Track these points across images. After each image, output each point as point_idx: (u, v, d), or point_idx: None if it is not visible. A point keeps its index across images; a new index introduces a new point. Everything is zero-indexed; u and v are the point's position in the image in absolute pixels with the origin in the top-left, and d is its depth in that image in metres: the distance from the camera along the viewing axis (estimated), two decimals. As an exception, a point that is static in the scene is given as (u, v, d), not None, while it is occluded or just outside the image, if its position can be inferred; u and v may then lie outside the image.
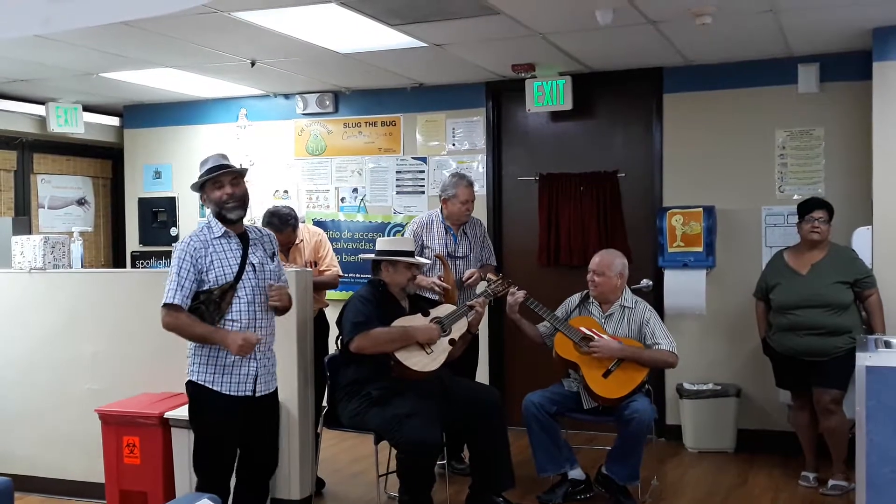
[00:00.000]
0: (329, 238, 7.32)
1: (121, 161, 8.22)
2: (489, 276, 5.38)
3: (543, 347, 5.24)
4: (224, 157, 4.15)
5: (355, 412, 4.68)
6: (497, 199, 7.03)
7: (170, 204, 7.93)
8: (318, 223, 7.36)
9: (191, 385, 4.04)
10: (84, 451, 5.18)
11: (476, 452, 4.92)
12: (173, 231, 7.88)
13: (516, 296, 5.10)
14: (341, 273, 5.87)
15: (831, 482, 5.22)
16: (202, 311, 3.90)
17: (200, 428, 4.09)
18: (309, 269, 5.37)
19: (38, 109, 7.44)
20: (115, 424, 4.84)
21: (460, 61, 6.18)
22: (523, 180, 6.95)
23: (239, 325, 3.96)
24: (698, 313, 6.30)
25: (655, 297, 6.31)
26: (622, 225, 6.63)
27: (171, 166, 7.94)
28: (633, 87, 6.67)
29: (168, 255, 7.75)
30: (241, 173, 4.11)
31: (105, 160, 8.44)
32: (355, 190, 7.39)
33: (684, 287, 6.27)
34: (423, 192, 7.15)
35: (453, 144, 7.10)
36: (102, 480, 4.92)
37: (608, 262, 5.17)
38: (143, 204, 8.05)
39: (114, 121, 8.20)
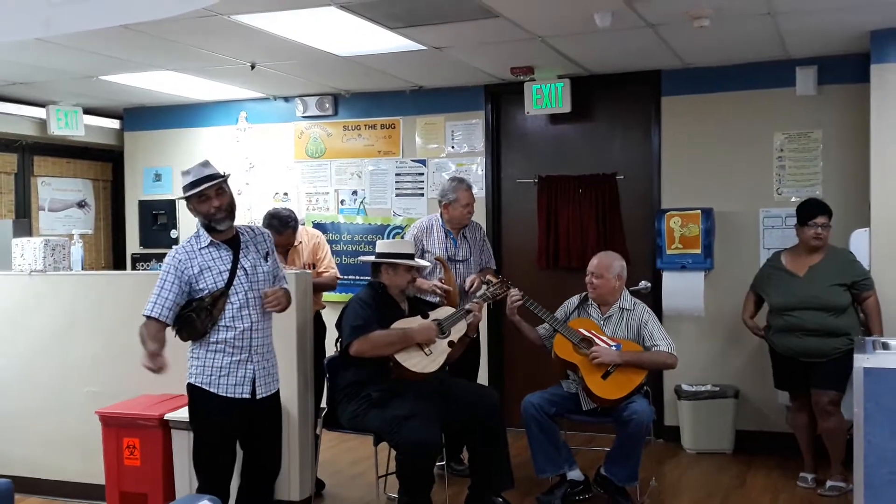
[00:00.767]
0: (329, 240, 7.35)
1: (121, 164, 8.23)
2: (488, 277, 5.39)
3: (543, 349, 5.26)
4: (206, 164, 4.10)
5: (355, 413, 4.70)
6: (496, 201, 7.04)
7: (170, 206, 7.94)
8: (317, 226, 7.38)
9: (190, 387, 4.08)
10: (84, 452, 5.19)
11: (475, 453, 4.93)
12: (173, 233, 7.89)
13: (515, 298, 5.11)
14: (339, 275, 5.89)
15: (829, 483, 5.23)
16: (193, 318, 3.93)
17: (199, 430, 4.12)
18: (308, 270, 5.38)
19: (39, 112, 7.45)
20: (115, 426, 4.85)
21: (459, 64, 6.20)
22: (522, 183, 6.96)
23: (233, 330, 3.98)
24: (696, 315, 6.32)
25: (654, 299, 6.33)
26: (621, 227, 6.65)
27: (172, 169, 7.95)
28: (631, 89, 6.68)
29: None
30: (224, 181, 4.07)
31: (105, 163, 8.45)
32: (355, 192, 7.40)
33: (683, 289, 6.28)
34: (422, 195, 7.16)
35: (452, 147, 7.12)
36: (103, 482, 4.93)
37: (606, 264, 5.19)
38: (144, 206, 8.06)
39: (114, 123, 8.21)
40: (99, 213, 8.39)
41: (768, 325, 5.45)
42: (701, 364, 6.36)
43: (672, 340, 5.11)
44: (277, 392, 4.24)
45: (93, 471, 5.07)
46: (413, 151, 7.23)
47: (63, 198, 8.07)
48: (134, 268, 8.01)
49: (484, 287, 5.26)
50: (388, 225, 7.23)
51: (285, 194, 7.53)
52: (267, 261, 4.17)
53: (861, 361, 3.90)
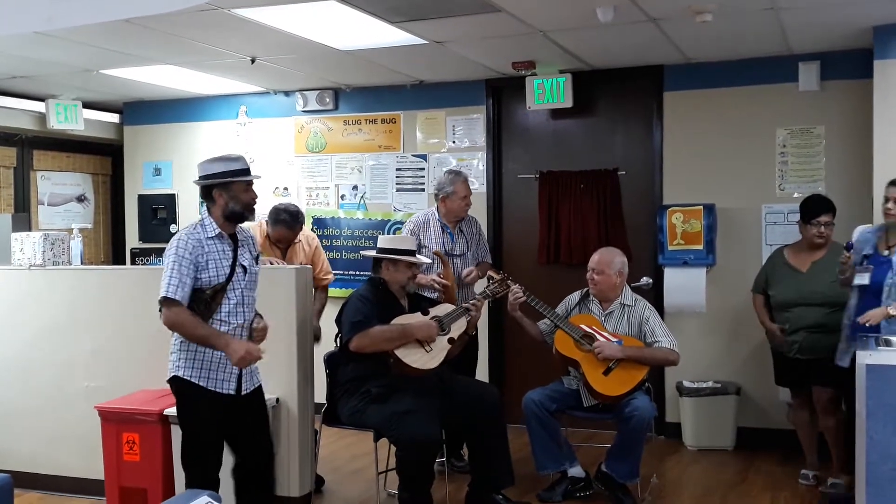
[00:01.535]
0: (329, 235, 7.38)
1: (120, 158, 8.22)
2: (490, 273, 5.38)
3: (544, 346, 5.24)
4: (245, 160, 4.21)
5: (354, 409, 4.68)
6: (497, 196, 7.02)
7: (169, 201, 7.92)
8: (318, 220, 7.37)
9: (176, 381, 4.01)
10: (84, 447, 5.17)
11: (475, 450, 4.92)
12: (173, 228, 7.86)
13: (517, 294, 5.10)
14: (332, 279, 5.98)
15: (831, 480, 5.21)
16: (192, 309, 3.89)
17: (187, 424, 4.07)
18: (309, 266, 5.38)
19: (38, 106, 7.42)
20: (114, 421, 4.83)
21: (460, 58, 6.18)
22: (523, 178, 6.95)
23: (227, 325, 3.96)
24: (698, 311, 6.31)
25: (655, 295, 6.31)
26: (622, 223, 6.63)
27: (171, 163, 7.94)
28: (633, 84, 6.66)
29: (168, 252, 7.74)
30: None
31: (105, 157, 8.43)
32: (355, 187, 7.38)
33: (684, 285, 6.28)
34: (423, 190, 7.14)
35: (453, 142, 7.10)
36: (102, 477, 4.92)
37: (607, 261, 5.17)
38: (143, 201, 8.04)
39: (114, 117, 8.18)
40: (98, 208, 8.37)
41: (772, 320, 5.42)
42: (702, 361, 6.34)
43: (674, 337, 5.10)
44: (260, 386, 4.20)
45: (92, 466, 5.05)
46: (414, 146, 7.21)
47: (62, 192, 8.06)
48: (133, 262, 7.99)
49: (485, 283, 5.25)
50: (389, 220, 7.21)
51: (285, 189, 7.51)
52: (256, 264, 4.17)
53: (863, 358, 3.89)
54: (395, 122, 7.25)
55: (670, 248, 6.29)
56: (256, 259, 4.19)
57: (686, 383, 6.28)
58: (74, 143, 8.05)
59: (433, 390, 4.70)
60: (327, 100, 7.32)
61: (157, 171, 8.01)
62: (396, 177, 7.25)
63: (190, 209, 7.84)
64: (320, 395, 5.02)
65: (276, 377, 4.68)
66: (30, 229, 6.35)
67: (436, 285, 5.32)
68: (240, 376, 4.03)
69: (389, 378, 4.66)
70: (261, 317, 4.14)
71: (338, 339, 4.82)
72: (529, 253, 6.87)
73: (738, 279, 6.05)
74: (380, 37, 5.51)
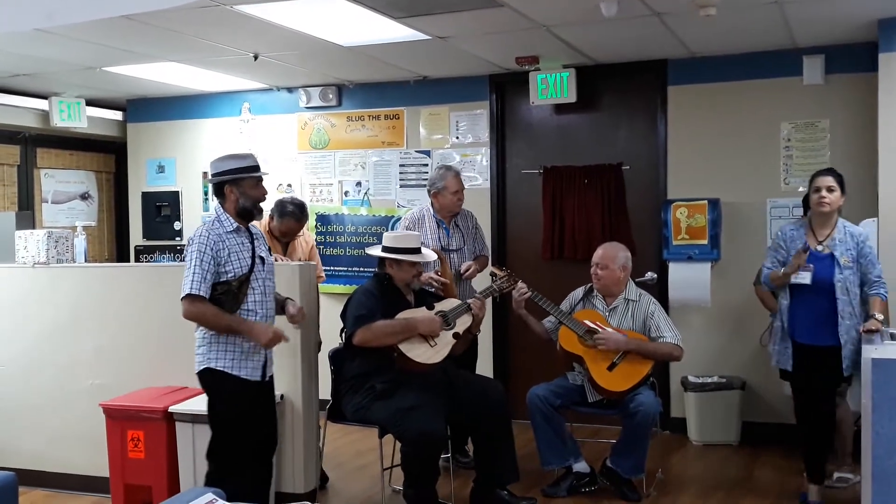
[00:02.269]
0: (332, 232, 7.38)
1: (124, 155, 8.22)
2: (493, 270, 5.36)
3: (550, 343, 5.23)
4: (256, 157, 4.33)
5: (359, 406, 4.68)
6: (501, 192, 7.01)
7: (173, 198, 7.92)
8: (321, 217, 7.37)
9: (208, 373, 4.09)
10: (88, 445, 5.18)
11: (480, 446, 4.91)
12: (177, 225, 7.88)
13: (521, 291, 5.09)
14: (324, 278, 6.06)
15: (837, 474, 5.20)
16: (221, 301, 4.03)
17: (222, 414, 4.13)
18: (312, 262, 5.38)
19: (41, 104, 7.42)
20: (119, 419, 4.84)
21: (464, 54, 6.16)
22: (527, 173, 6.93)
23: (255, 315, 4.11)
24: (703, 306, 6.29)
25: (660, 290, 6.30)
26: (626, 218, 6.62)
27: (175, 160, 7.94)
28: (637, 79, 6.65)
29: (171, 249, 7.76)
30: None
31: (108, 154, 8.43)
32: (359, 183, 7.38)
33: (689, 280, 6.26)
34: (426, 186, 7.12)
35: (457, 138, 7.09)
36: (107, 475, 4.93)
37: (611, 255, 5.16)
38: (147, 198, 8.04)
39: (117, 115, 8.18)
40: (102, 205, 8.38)
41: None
42: (707, 355, 6.33)
43: (678, 332, 5.09)
44: (273, 375, 4.35)
45: (97, 463, 5.06)
46: (417, 142, 7.20)
47: (66, 190, 8.06)
48: (137, 260, 7.99)
49: (489, 280, 5.23)
50: (392, 216, 7.21)
51: (289, 185, 7.51)
52: (270, 256, 4.34)
53: (869, 352, 3.88)
54: (398, 118, 7.23)
55: (675, 242, 6.28)
56: (270, 251, 4.38)
57: (691, 378, 6.27)
58: (78, 141, 8.06)
59: (438, 386, 4.70)
60: (330, 96, 7.31)
61: (161, 169, 8.01)
62: (400, 173, 7.25)
63: (194, 206, 7.85)
64: (325, 392, 5.02)
65: (280, 373, 4.67)
66: (34, 227, 6.36)
67: (434, 283, 5.28)
68: (265, 363, 4.18)
69: (394, 374, 4.65)
70: (293, 301, 4.38)
71: (342, 334, 4.82)
72: (533, 248, 6.86)
73: (742, 274, 6.03)
74: (383, 32, 5.50)
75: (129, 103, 8.05)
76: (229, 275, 4.03)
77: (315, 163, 7.49)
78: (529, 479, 5.14)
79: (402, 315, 4.71)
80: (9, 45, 5.74)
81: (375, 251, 4.92)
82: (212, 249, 3.99)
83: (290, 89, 7.49)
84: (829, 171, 4.74)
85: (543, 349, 5.54)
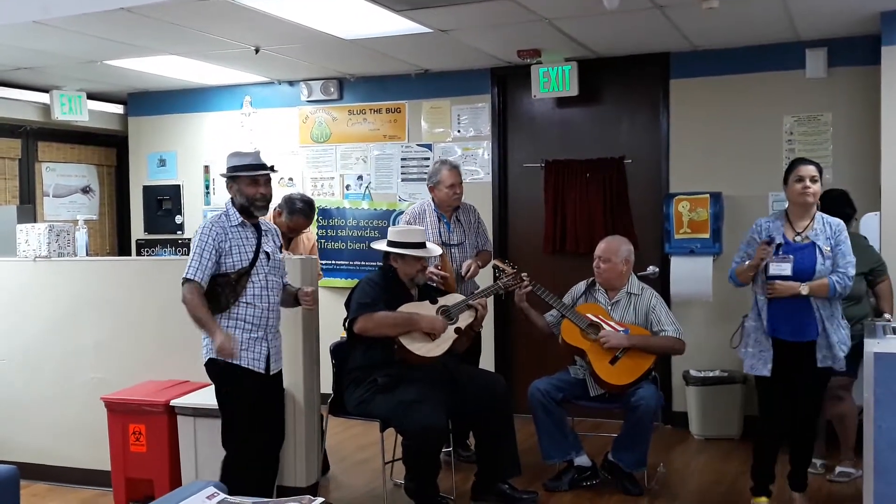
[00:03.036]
0: (334, 226, 7.38)
1: (125, 149, 8.21)
2: (496, 263, 5.34)
3: (552, 337, 5.23)
4: (259, 155, 4.42)
5: (361, 399, 4.68)
6: (502, 186, 7.00)
7: (174, 192, 7.92)
8: (323, 211, 7.36)
9: (213, 363, 4.24)
10: (90, 439, 5.18)
11: (482, 440, 4.91)
12: (178, 219, 7.87)
13: (524, 284, 5.08)
14: (322, 275, 6.09)
15: (839, 469, 5.20)
16: (219, 292, 4.17)
17: (228, 402, 4.28)
18: (314, 256, 5.38)
19: (43, 97, 7.42)
20: (120, 412, 4.84)
21: (465, 47, 6.15)
22: (529, 167, 6.92)
23: (255, 308, 4.22)
24: (705, 300, 6.28)
25: (662, 284, 6.29)
26: (628, 211, 6.60)
27: (176, 154, 7.93)
28: (639, 72, 6.63)
29: (173, 242, 7.76)
30: (271, 173, 4.37)
31: (109, 148, 8.43)
32: (360, 177, 7.37)
33: (691, 274, 6.25)
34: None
35: (458, 131, 7.07)
36: (108, 468, 4.93)
37: (614, 249, 5.16)
38: (148, 192, 8.04)
39: (118, 108, 8.18)
40: (103, 199, 8.38)
41: None
42: (709, 349, 6.31)
43: (680, 326, 5.08)
44: (281, 371, 4.48)
45: (98, 457, 5.06)
46: (419, 136, 7.19)
47: (67, 183, 8.06)
48: (139, 253, 7.99)
49: (494, 277, 5.21)
50: (394, 210, 7.19)
51: (290, 179, 7.50)
52: (280, 252, 4.45)
53: (871, 346, 3.86)
54: (399, 111, 7.22)
55: (677, 236, 6.27)
56: (280, 249, 4.46)
57: (692, 372, 6.26)
58: (79, 135, 8.05)
59: (440, 380, 4.69)
60: (332, 89, 7.30)
61: (162, 162, 8.00)
62: (401, 166, 7.24)
63: (195, 200, 7.84)
64: (326, 386, 5.02)
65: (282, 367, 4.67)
66: (35, 221, 6.36)
67: (435, 277, 5.26)
68: (268, 356, 4.29)
69: (396, 368, 4.65)
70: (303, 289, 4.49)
71: (345, 323, 4.82)
72: (535, 242, 6.85)
73: (744, 268, 6.01)
74: (384, 25, 5.48)
75: (131, 97, 8.04)
76: (228, 267, 4.17)
77: (316, 156, 7.48)
78: (531, 473, 5.14)
79: (405, 308, 4.71)
80: (10, 39, 5.73)
81: (380, 245, 4.92)
82: (214, 240, 4.16)
83: (291, 83, 7.48)
84: (811, 161, 4.55)
85: (545, 343, 5.54)
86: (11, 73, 6.84)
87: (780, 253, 4.44)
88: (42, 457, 5.40)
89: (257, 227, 4.32)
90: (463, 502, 4.94)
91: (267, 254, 4.28)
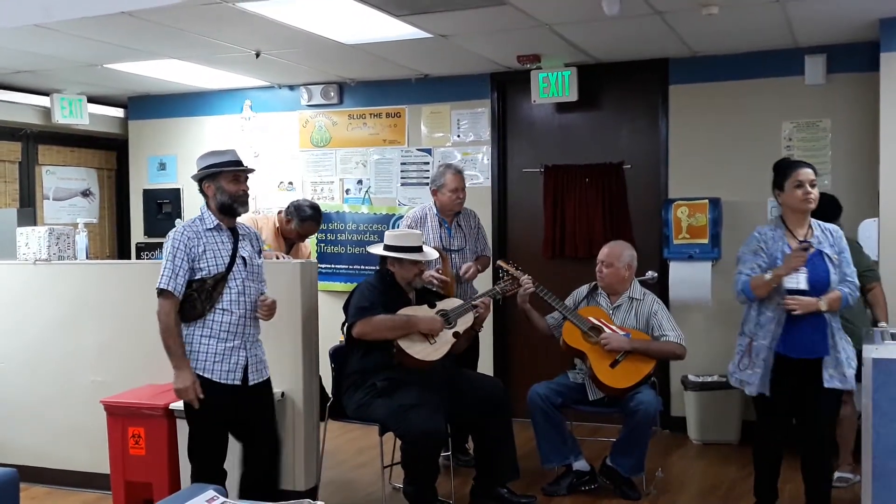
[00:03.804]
0: (333, 230, 7.38)
1: (125, 152, 8.22)
2: (500, 263, 5.34)
3: (552, 339, 5.23)
4: (236, 152, 4.30)
5: (360, 403, 4.68)
6: (502, 190, 7.01)
7: (174, 195, 7.93)
8: (322, 215, 7.35)
9: None
10: (89, 442, 5.18)
11: (481, 444, 4.92)
12: (178, 222, 7.85)
13: (526, 285, 5.09)
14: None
15: (837, 474, 5.19)
16: (194, 298, 4.01)
17: (193, 415, 4.12)
18: (314, 261, 5.39)
19: (43, 101, 7.43)
20: (120, 415, 4.84)
21: (465, 52, 6.16)
22: (528, 172, 6.93)
23: (231, 315, 4.05)
24: (704, 305, 6.29)
25: (661, 289, 6.29)
26: (627, 217, 6.61)
27: (176, 158, 7.94)
28: (639, 78, 6.64)
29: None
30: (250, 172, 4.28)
31: (110, 151, 8.43)
32: (360, 182, 7.37)
33: (690, 279, 6.26)
34: (427, 184, 7.11)
35: (458, 136, 7.09)
36: (108, 471, 4.93)
37: (617, 253, 5.18)
38: (148, 195, 8.05)
39: (118, 112, 8.18)
40: (103, 202, 8.38)
41: None
42: (708, 355, 6.32)
43: (681, 331, 5.09)
44: (268, 379, 4.29)
45: (98, 460, 5.06)
46: (418, 140, 7.20)
47: (67, 186, 8.06)
48: (139, 257, 7.99)
49: (494, 280, 5.22)
50: (394, 214, 7.20)
51: (290, 183, 7.51)
52: (259, 257, 4.28)
53: (870, 352, 3.87)
54: (399, 116, 7.23)
55: (676, 241, 6.28)
56: (259, 252, 4.30)
57: (691, 377, 6.27)
58: (79, 138, 8.06)
59: (439, 384, 4.70)
60: (332, 94, 7.31)
61: (162, 166, 8.01)
62: (401, 171, 7.25)
63: (195, 203, 7.76)
64: (326, 389, 5.02)
65: (280, 371, 4.68)
66: (35, 224, 6.35)
67: (435, 282, 5.27)
68: (246, 367, 4.11)
69: (395, 372, 4.66)
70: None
71: (343, 328, 4.82)
72: (534, 247, 6.85)
73: (743, 273, 6.02)
74: (384, 30, 5.49)
75: (131, 100, 8.05)
76: (204, 272, 4.01)
77: (316, 161, 7.49)
78: (529, 478, 5.15)
79: (404, 311, 4.72)
80: (10, 42, 5.75)
81: (377, 249, 4.92)
82: (185, 246, 4.00)
83: (291, 87, 7.49)
84: (806, 163, 4.34)
85: (544, 347, 5.55)
86: (12, 76, 6.85)
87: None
88: (41, 460, 5.40)
89: (234, 232, 4.16)
90: (461, 506, 4.95)
91: (244, 259, 4.11)
